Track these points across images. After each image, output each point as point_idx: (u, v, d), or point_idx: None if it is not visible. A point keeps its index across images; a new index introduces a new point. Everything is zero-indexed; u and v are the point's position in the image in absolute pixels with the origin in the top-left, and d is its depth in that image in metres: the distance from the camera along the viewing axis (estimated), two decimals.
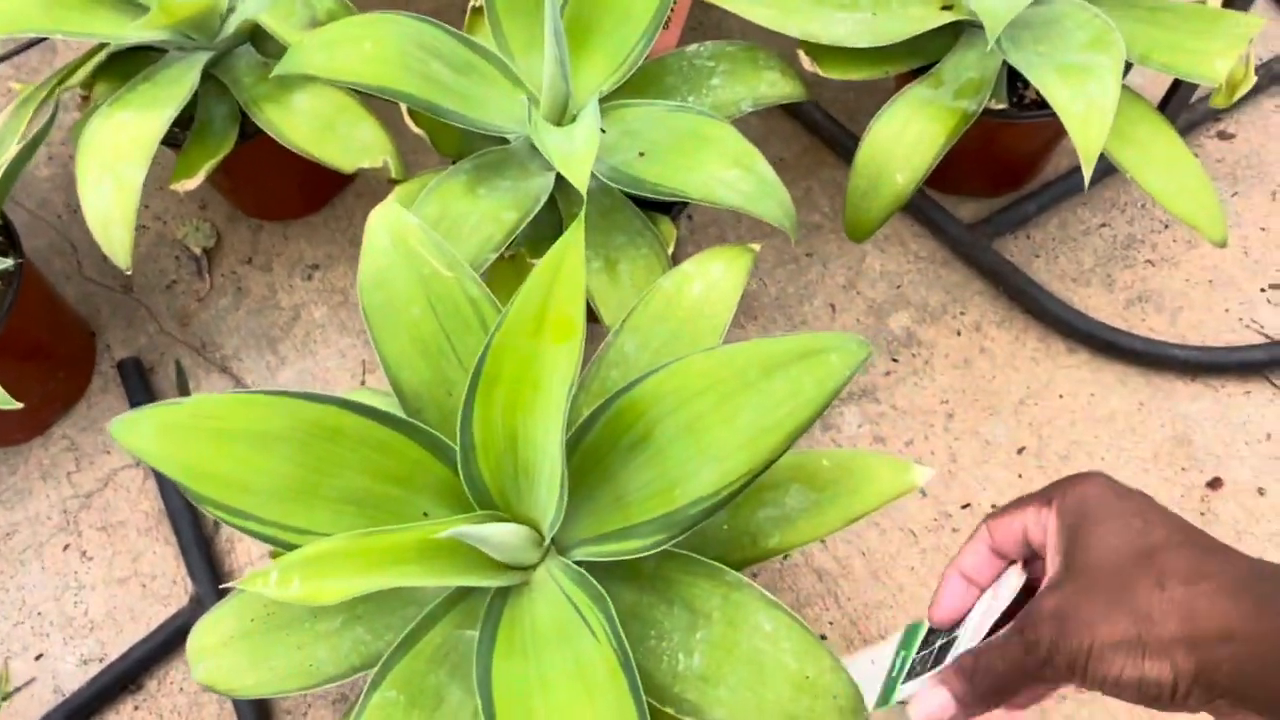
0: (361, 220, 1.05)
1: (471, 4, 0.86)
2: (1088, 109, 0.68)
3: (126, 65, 0.90)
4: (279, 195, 1.03)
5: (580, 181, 0.63)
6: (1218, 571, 0.41)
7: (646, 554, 0.59)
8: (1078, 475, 0.48)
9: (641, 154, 0.75)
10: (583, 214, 0.56)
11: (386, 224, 0.66)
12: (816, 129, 1.03)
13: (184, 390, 0.98)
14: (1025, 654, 0.45)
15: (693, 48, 0.83)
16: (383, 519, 0.63)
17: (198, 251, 1.03)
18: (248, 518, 0.59)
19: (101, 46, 0.87)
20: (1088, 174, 0.67)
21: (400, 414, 0.63)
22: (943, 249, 0.99)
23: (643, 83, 0.81)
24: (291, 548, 0.60)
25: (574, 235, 0.56)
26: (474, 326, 0.65)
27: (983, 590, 0.53)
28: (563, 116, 0.77)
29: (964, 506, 0.88)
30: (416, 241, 0.66)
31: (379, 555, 0.57)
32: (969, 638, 0.50)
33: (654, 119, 0.76)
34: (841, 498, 0.66)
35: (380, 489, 0.63)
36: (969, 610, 0.53)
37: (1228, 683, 0.40)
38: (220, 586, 0.88)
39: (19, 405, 0.71)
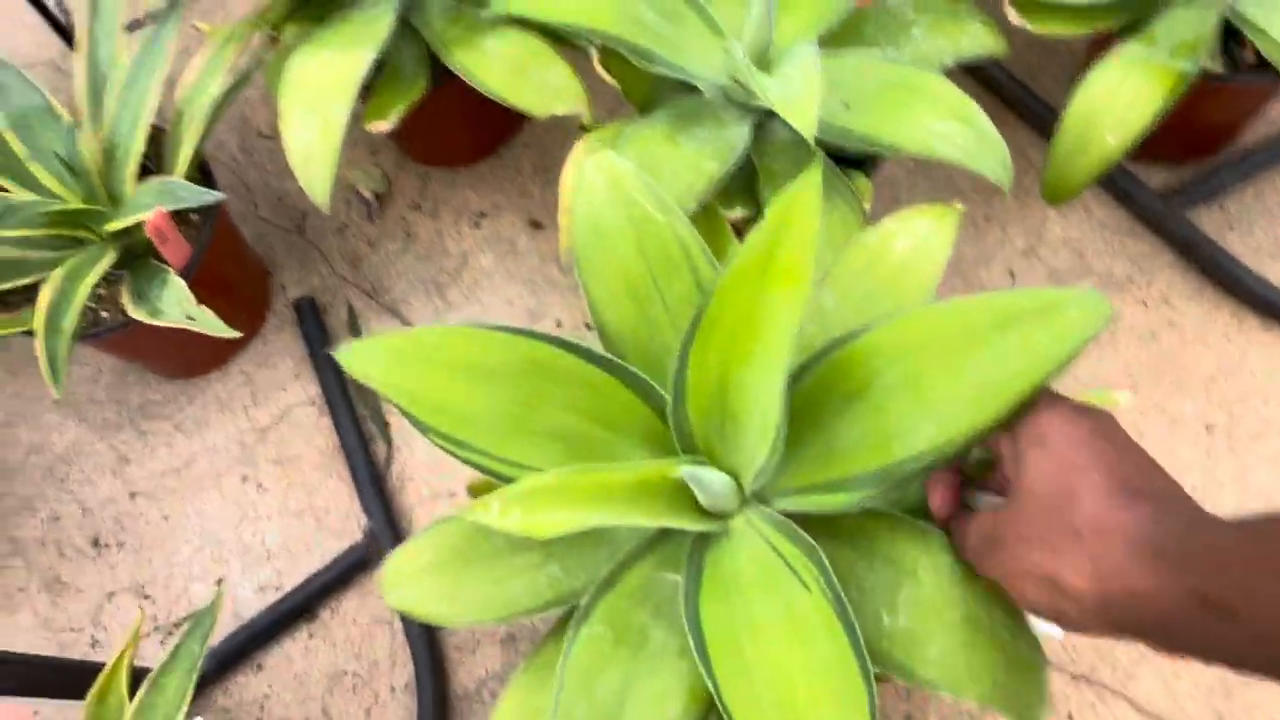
0: (529, 170, 1.06)
1: None
2: None
3: (316, 7, 0.92)
4: (450, 142, 1.04)
5: (807, 127, 0.62)
6: (1127, 526, 0.43)
7: (854, 508, 0.58)
8: (1043, 401, 0.52)
9: (846, 105, 0.73)
10: (818, 160, 0.55)
11: (602, 168, 0.66)
12: (998, 89, 1.00)
13: (355, 331, 1.00)
14: (960, 548, 0.54)
15: None
16: (587, 458, 0.63)
17: (368, 196, 1.05)
18: (466, 447, 0.60)
19: None
20: None
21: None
22: (1129, 217, 0.95)
23: (840, 34, 0.79)
24: (503, 478, 0.61)
25: (808, 180, 0.56)
26: (683, 271, 0.65)
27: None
28: (762, 63, 0.75)
29: None
30: (630, 185, 0.65)
31: (593, 493, 0.57)
32: None
33: (857, 69, 0.75)
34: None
35: (585, 428, 0.63)
36: None
37: (1134, 631, 0.43)
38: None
39: (237, 334, 0.74)
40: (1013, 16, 0.79)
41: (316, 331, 0.99)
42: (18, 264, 0.84)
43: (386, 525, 0.90)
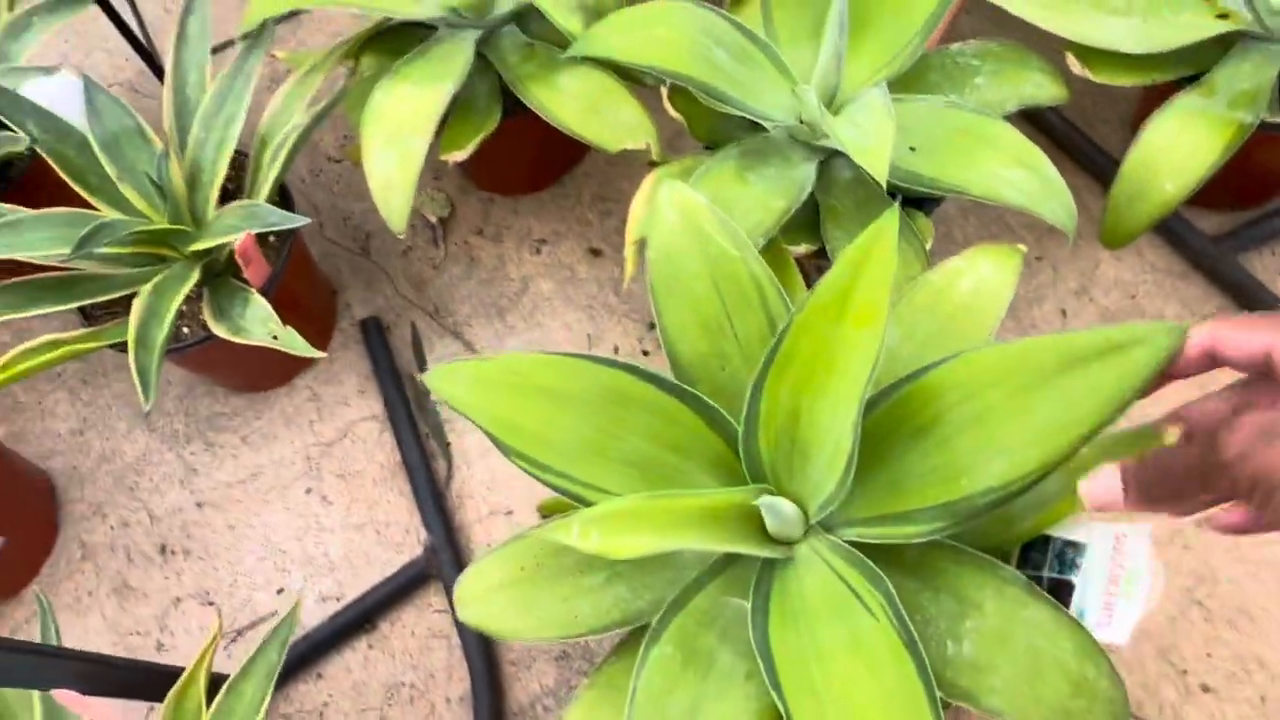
0: (589, 199, 1.09)
1: None
2: None
3: (393, 40, 0.95)
4: (514, 171, 1.08)
5: (880, 172, 0.64)
6: None
7: (920, 540, 0.60)
8: None
9: (912, 149, 0.75)
10: (897, 205, 0.57)
11: (676, 203, 0.68)
12: (1052, 133, 1.02)
13: (419, 351, 1.03)
14: (1205, 454, 0.45)
15: (956, 46, 0.83)
16: (660, 484, 0.65)
17: (433, 220, 1.09)
18: (546, 469, 0.62)
19: (381, 21, 0.92)
20: None
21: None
22: (1181, 261, 0.96)
23: (906, 79, 0.81)
24: (580, 499, 0.64)
25: (886, 223, 0.58)
26: (755, 305, 0.67)
27: None
28: (829, 106, 0.78)
29: (1198, 524, 0.86)
30: (704, 220, 0.68)
31: (669, 517, 0.59)
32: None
33: (924, 115, 0.77)
34: None
35: (659, 455, 0.66)
36: None
37: None
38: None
39: (321, 354, 0.77)
40: (1073, 65, 0.81)
41: (381, 350, 1.02)
42: (105, 280, 0.88)
43: (446, 541, 0.93)
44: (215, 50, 1.17)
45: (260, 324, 0.81)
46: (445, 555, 0.92)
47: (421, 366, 1.02)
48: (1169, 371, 0.53)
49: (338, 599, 0.93)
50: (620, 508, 0.59)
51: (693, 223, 0.68)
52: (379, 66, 0.94)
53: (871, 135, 0.67)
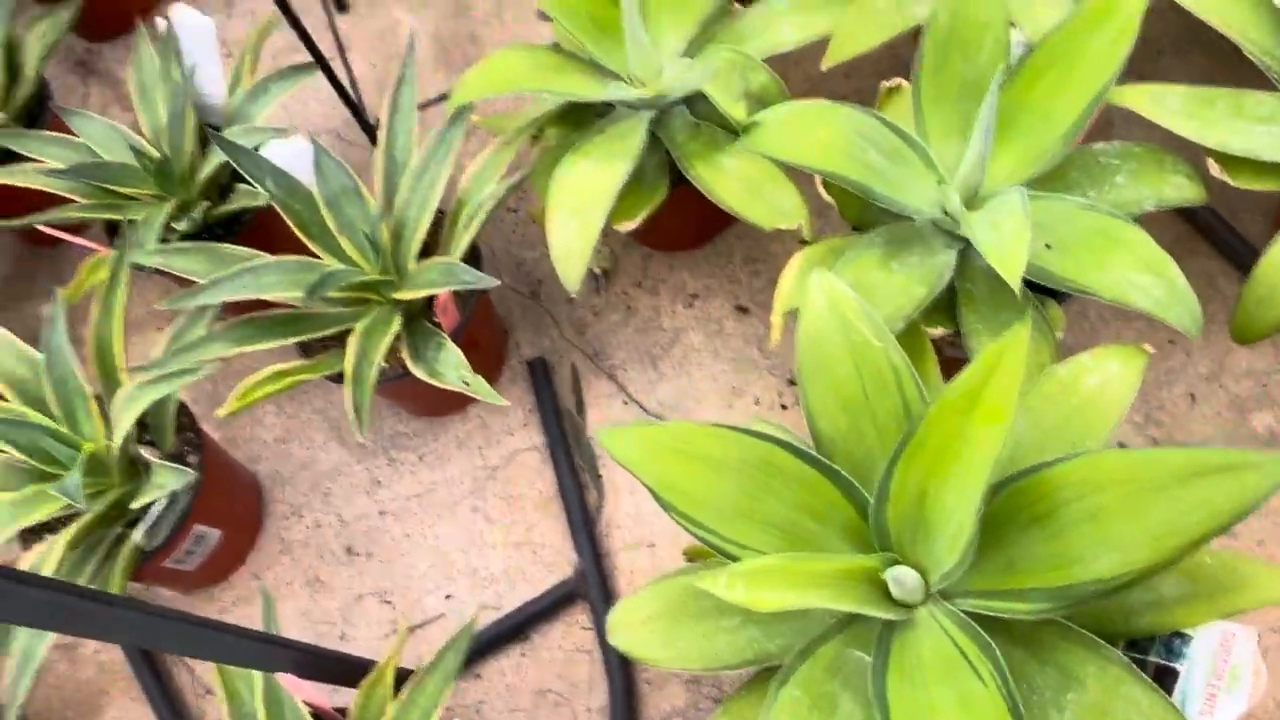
0: (740, 259, 1.18)
1: (885, 85, 0.96)
2: None
3: (575, 114, 1.07)
4: (674, 232, 1.17)
5: (1014, 277, 0.71)
6: None
7: (1031, 617, 0.67)
8: None
9: (1048, 246, 0.82)
10: (1028, 318, 0.64)
11: (825, 291, 0.77)
12: (1192, 217, 1.06)
13: (578, 391, 1.14)
14: None
15: (1099, 145, 0.88)
16: (798, 547, 0.74)
17: (598, 271, 1.20)
18: (700, 526, 0.72)
19: (567, 101, 1.03)
20: None
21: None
22: None
23: (1045, 177, 0.87)
24: (726, 554, 0.73)
25: (1019, 333, 0.64)
26: (892, 391, 0.75)
27: None
28: (971, 201, 0.85)
29: None
30: (850, 309, 0.76)
31: (806, 578, 0.68)
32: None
33: (1061, 213, 0.83)
34: (1219, 595, 0.71)
35: (799, 520, 0.74)
36: None
37: None
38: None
39: (505, 402, 0.88)
40: (1214, 169, 0.85)
41: (545, 388, 1.14)
42: (320, 318, 1.02)
43: (594, 565, 1.03)
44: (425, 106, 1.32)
45: (453, 369, 0.93)
46: (592, 578, 1.02)
47: (580, 405, 1.13)
48: None
49: (496, 609, 1.05)
50: (764, 565, 0.67)
51: (839, 311, 0.76)
52: (562, 138, 1.06)
53: (1008, 239, 0.74)
